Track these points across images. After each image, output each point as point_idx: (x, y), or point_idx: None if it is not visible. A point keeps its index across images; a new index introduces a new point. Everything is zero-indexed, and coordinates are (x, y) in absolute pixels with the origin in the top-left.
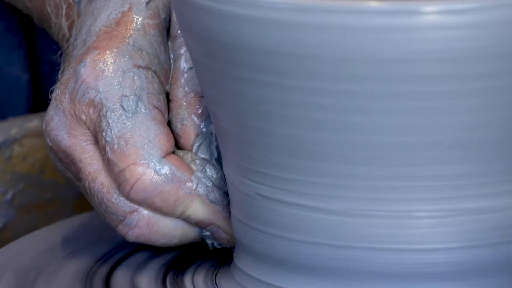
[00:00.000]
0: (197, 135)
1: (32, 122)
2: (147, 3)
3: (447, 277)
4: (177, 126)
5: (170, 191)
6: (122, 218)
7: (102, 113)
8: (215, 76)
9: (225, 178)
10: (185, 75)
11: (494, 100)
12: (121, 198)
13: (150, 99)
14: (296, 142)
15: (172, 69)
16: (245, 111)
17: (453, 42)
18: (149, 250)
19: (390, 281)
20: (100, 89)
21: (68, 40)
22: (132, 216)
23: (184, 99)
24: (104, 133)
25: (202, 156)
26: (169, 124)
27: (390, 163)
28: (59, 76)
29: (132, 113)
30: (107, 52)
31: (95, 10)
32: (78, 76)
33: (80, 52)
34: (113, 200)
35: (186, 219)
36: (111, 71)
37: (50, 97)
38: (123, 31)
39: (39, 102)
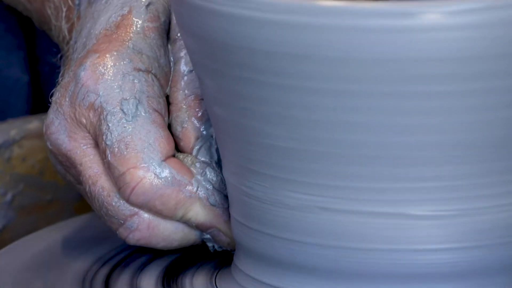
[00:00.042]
0: (197, 138)
1: (31, 124)
2: (147, 6)
3: (448, 278)
4: (177, 129)
5: (171, 194)
6: (122, 222)
7: (102, 116)
8: (214, 77)
9: (225, 180)
10: (185, 78)
11: (495, 100)
12: (121, 201)
13: (150, 102)
14: (295, 143)
15: (172, 72)
16: (245, 111)
17: (453, 42)
18: (150, 252)
19: (391, 282)
20: (100, 93)
21: (68, 42)
22: (132, 220)
23: (184, 102)
24: (104, 137)
25: (202, 159)
26: (169, 127)
27: (390, 163)
28: (59, 79)
29: (132, 117)
30: (107, 55)
31: (95, 12)
32: (78, 80)
33: (80, 55)
34: (113, 204)
35: (187, 222)
36: (111, 74)
37: (50, 100)
38: (123, 34)
39: (38, 104)
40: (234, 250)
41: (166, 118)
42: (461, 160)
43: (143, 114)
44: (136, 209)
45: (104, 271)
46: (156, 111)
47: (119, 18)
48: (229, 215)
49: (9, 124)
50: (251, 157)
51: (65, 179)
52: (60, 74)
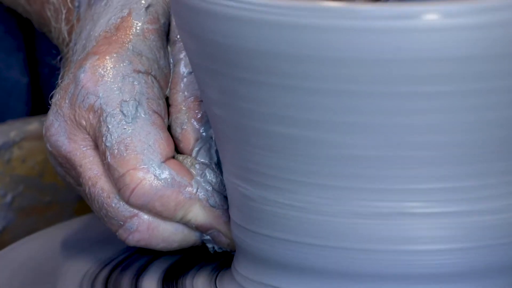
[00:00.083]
0: (197, 140)
1: (31, 125)
2: (147, 8)
3: (448, 278)
4: (177, 130)
5: (170, 195)
6: (122, 223)
7: (102, 118)
8: (214, 77)
9: (224, 182)
10: (185, 79)
11: (495, 100)
12: (121, 203)
13: (149, 104)
14: (294, 143)
15: (171, 74)
16: (244, 112)
17: (452, 43)
18: (150, 254)
19: (392, 282)
20: (100, 95)
21: (68, 44)
22: (132, 221)
23: (184, 103)
24: (104, 138)
25: (202, 160)
26: (169, 128)
27: (390, 163)
28: (59, 81)
29: (132, 118)
30: (107, 57)
31: (94, 15)
32: (78, 82)
33: (79, 57)
34: (113, 205)
35: (187, 224)
36: (110, 76)
37: (49, 101)
38: (122, 36)
39: (38, 105)
40: (234, 251)
41: (165, 120)
42: (462, 160)
43: (143, 115)
44: (135, 211)
45: (104, 273)
46: (156, 112)
47: (118, 20)
48: (228, 216)
49: (9, 125)
50: (251, 158)
51: (64, 180)
52: (59, 76)
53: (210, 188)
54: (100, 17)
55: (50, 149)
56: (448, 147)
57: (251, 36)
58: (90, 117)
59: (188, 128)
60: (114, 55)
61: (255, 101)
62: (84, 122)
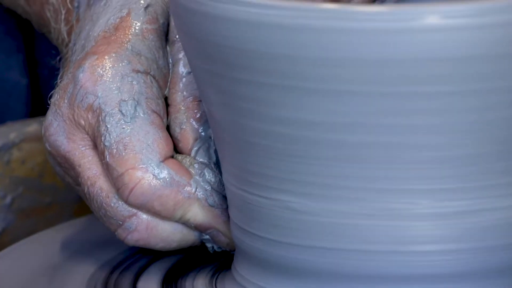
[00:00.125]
0: (196, 139)
1: (31, 127)
2: (146, 8)
3: (448, 279)
4: (176, 130)
5: (169, 195)
6: (121, 222)
7: (100, 118)
8: (212, 78)
9: (223, 182)
10: (184, 79)
11: (496, 100)
12: (120, 202)
13: (148, 103)
14: (294, 144)
15: (170, 74)
16: (243, 112)
17: (452, 43)
18: (150, 255)
19: (392, 283)
20: (99, 94)
21: (67, 45)
22: (131, 220)
23: (183, 103)
24: (103, 138)
25: (201, 160)
26: (168, 128)
27: (390, 164)
28: (58, 81)
29: (131, 118)
30: (106, 57)
31: (93, 15)
32: (77, 81)
33: (78, 57)
34: (112, 205)
35: (185, 223)
36: (109, 76)
37: (49, 101)
38: (121, 36)
39: (37, 107)
40: (234, 250)
41: (164, 120)
42: (462, 160)
43: (142, 115)
44: (134, 210)
45: (103, 273)
46: (155, 112)
47: (117, 20)
48: (228, 216)
49: (9, 127)
50: (249, 158)
51: (64, 180)
52: (59, 76)
53: (209, 188)
54: (99, 17)
55: (49, 148)
56: (448, 147)
57: (250, 37)
58: (89, 116)
59: (187, 127)
60: (113, 55)
61: (254, 101)
62: (83, 122)
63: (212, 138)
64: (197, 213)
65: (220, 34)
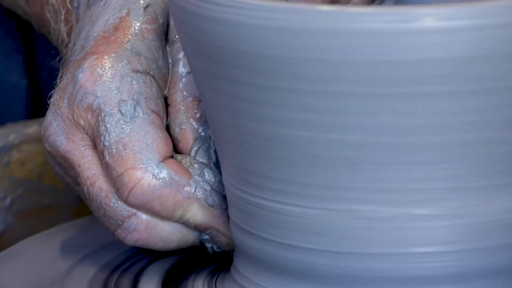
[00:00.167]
0: (196, 139)
1: (30, 128)
2: (145, 8)
3: (448, 280)
4: (176, 130)
5: (169, 195)
6: (120, 223)
7: (100, 118)
8: (212, 78)
9: (223, 182)
10: (184, 79)
11: (496, 101)
12: (119, 202)
13: (148, 103)
14: (293, 144)
15: (170, 74)
16: (242, 113)
17: (452, 45)
18: (150, 256)
19: (392, 285)
20: (98, 94)
21: (67, 45)
22: (130, 220)
23: (183, 103)
24: (102, 138)
25: (201, 160)
26: (168, 128)
27: (390, 164)
28: (58, 81)
29: (130, 118)
30: (105, 57)
31: (93, 15)
32: (76, 81)
33: (78, 57)
34: (111, 205)
35: (185, 223)
36: (109, 76)
37: (48, 102)
38: (121, 36)
39: (37, 108)
40: (233, 250)
41: (164, 120)
42: (462, 161)
43: (141, 115)
44: (134, 210)
45: (103, 275)
46: (154, 112)
47: (117, 20)
48: (227, 216)
49: (8, 128)
50: (249, 159)
51: (63, 180)
52: (58, 76)
53: (208, 188)
54: (99, 18)
55: (48, 149)
56: (449, 147)
57: (249, 39)
58: (89, 116)
59: (187, 127)
60: (113, 55)
61: (253, 102)
62: (82, 122)
63: (212, 138)
64: (197, 213)
65: (219, 36)
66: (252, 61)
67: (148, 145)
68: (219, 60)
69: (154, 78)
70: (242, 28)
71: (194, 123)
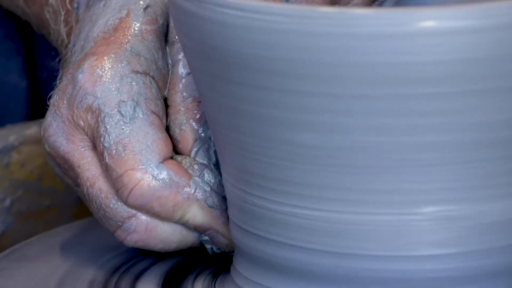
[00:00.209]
0: (195, 140)
1: (30, 129)
2: (145, 9)
3: (448, 282)
4: (176, 131)
5: (168, 196)
6: (120, 223)
7: (100, 118)
8: (212, 79)
9: (223, 183)
10: (183, 80)
11: (496, 101)
12: (119, 203)
13: (148, 104)
14: (293, 145)
15: (170, 75)
16: (242, 113)
17: (453, 47)
18: (150, 257)
19: (391, 286)
20: (98, 95)
21: (66, 46)
22: (130, 221)
23: (182, 104)
24: (102, 139)
25: (200, 161)
26: (168, 129)
27: (390, 164)
28: (58, 82)
29: (130, 119)
30: (105, 57)
31: (93, 16)
32: (76, 82)
33: (78, 58)
34: (111, 206)
35: (185, 224)
36: (108, 76)
37: (48, 103)
38: (120, 37)
39: (37, 109)
40: (233, 252)
41: (164, 120)
42: (463, 161)
43: (141, 116)
44: (134, 211)
45: (103, 276)
46: (154, 113)
47: (117, 21)
48: (227, 217)
49: (8, 129)
50: (249, 160)
51: (63, 181)
52: (58, 77)
53: (208, 189)
54: (99, 18)
55: (48, 150)
56: (449, 148)
57: (248, 41)
58: (88, 117)
59: (187, 128)
60: (112, 56)
61: (253, 103)
62: (82, 123)
63: (212, 139)
64: (197, 214)
65: (219, 37)
66: (252, 62)
67: (148, 146)
68: (219, 61)
69: (154, 79)
70: (242, 29)
71: (194, 124)
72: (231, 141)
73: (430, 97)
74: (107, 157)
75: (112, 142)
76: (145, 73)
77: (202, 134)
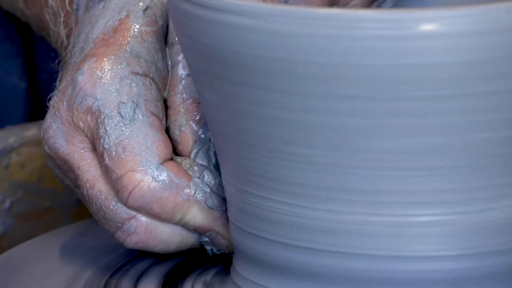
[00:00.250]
0: (195, 142)
1: (29, 131)
2: (145, 10)
3: (448, 283)
4: (175, 132)
5: (168, 197)
6: (120, 225)
7: (99, 120)
8: (212, 79)
9: (223, 184)
10: (183, 81)
11: (496, 101)
12: (119, 204)
13: (147, 106)
14: (292, 146)
15: (169, 76)
16: (241, 113)
17: (453, 49)
18: (150, 258)
19: (391, 287)
20: (98, 96)
21: (66, 47)
22: (130, 223)
23: (182, 105)
24: (102, 140)
25: (200, 162)
26: (167, 130)
27: (390, 165)
28: (57, 83)
29: (130, 120)
30: (105, 59)
31: (92, 17)
32: (76, 84)
33: (77, 60)
34: (111, 207)
35: (185, 225)
36: (108, 78)
37: (48, 104)
38: (120, 38)
39: (36, 111)
40: (233, 253)
41: (163, 122)
42: (463, 161)
43: (141, 117)
44: (133, 213)
45: (103, 277)
46: (154, 114)
47: (116, 22)
48: (227, 218)
49: (7, 131)
50: (249, 160)
51: (63, 183)
52: (58, 79)
53: (208, 190)
54: (98, 20)
55: (48, 151)
56: (449, 149)
57: (247, 42)
58: (88, 119)
59: (187, 130)
60: (112, 57)
61: (253, 102)
62: (82, 124)
63: (212, 140)
64: (196, 215)
65: (218, 38)
66: (252, 62)
67: (147, 147)
68: (218, 61)
69: (153, 80)
70: (242, 31)
71: (193, 125)
72: (231, 141)
73: (430, 98)
74: (107, 158)
75: (112, 144)
76: (145, 75)
77: (202, 136)
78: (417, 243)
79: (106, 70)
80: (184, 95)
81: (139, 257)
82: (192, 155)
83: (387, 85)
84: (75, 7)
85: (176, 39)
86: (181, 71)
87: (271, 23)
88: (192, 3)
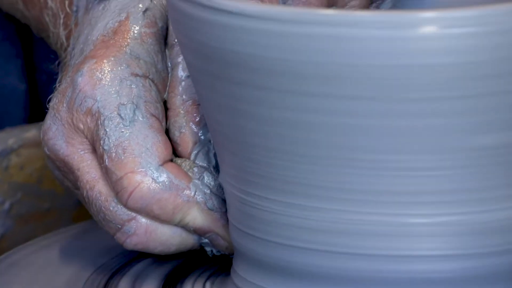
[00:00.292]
0: (195, 143)
1: (29, 132)
2: (144, 12)
3: (448, 283)
4: (175, 134)
5: (168, 198)
6: (120, 226)
7: (99, 121)
8: (211, 79)
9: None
10: (183, 83)
11: (496, 102)
12: (119, 206)
13: (147, 107)
14: (292, 145)
15: (169, 78)
16: (241, 113)
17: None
18: (150, 259)
19: (391, 286)
20: (98, 98)
21: (66, 49)
22: (130, 224)
23: (182, 107)
24: (101, 142)
25: (200, 163)
26: (167, 132)
27: (390, 165)
28: (57, 85)
29: (130, 122)
30: (104, 61)
31: (92, 19)
32: (76, 85)
33: (77, 61)
34: (111, 208)
35: (185, 227)
36: (108, 79)
37: (47, 106)
38: (120, 40)
39: (36, 112)
40: (233, 254)
41: (163, 123)
42: (463, 161)
43: (141, 119)
44: (133, 214)
45: (103, 279)
46: (154, 116)
47: (116, 24)
48: (227, 219)
49: (7, 133)
50: (248, 160)
51: (63, 184)
52: (57, 80)
53: (208, 191)
54: (98, 21)
55: (48, 153)
56: (449, 149)
57: (247, 42)
58: (88, 120)
59: (187, 131)
60: (112, 59)
61: (253, 103)
62: (81, 126)
63: (211, 141)
64: (196, 217)
65: (218, 38)
66: (251, 62)
67: (147, 148)
68: (218, 61)
69: (153, 81)
70: (241, 31)
71: (193, 126)
72: (231, 141)
73: (430, 99)
74: (106, 160)
75: (111, 145)
76: (145, 76)
77: (202, 137)
78: (417, 243)
79: (106, 71)
80: (184, 97)
81: (139, 259)
82: (192, 157)
83: (387, 86)
84: (74, 8)
85: (176, 40)
86: (181, 72)
87: (271, 24)
88: (192, 4)
